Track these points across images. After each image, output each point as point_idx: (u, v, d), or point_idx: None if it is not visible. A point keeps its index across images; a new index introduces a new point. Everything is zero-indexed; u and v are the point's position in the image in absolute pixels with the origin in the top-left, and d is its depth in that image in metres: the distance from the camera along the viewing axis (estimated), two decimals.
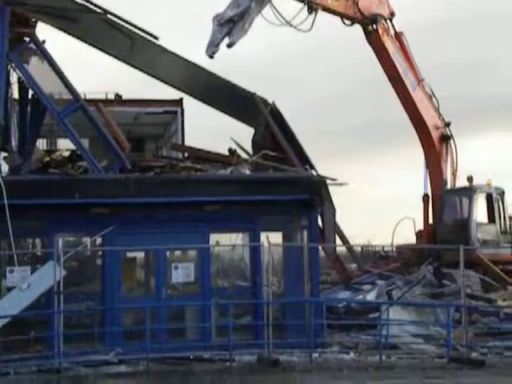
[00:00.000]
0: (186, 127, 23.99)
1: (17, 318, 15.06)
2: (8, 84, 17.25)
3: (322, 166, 19.15)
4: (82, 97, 17.91)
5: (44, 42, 17.25)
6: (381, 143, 62.56)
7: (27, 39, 17.21)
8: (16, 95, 18.16)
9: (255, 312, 16.94)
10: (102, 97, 23.07)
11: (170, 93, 21.54)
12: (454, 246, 17.45)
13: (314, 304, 16.72)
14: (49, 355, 14.94)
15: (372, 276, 22.07)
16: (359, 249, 25.40)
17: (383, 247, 25.54)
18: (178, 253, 19.84)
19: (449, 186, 24.01)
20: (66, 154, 18.62)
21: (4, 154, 16.70)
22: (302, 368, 14.89)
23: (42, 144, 22.92)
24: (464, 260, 16.74)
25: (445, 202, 23.70)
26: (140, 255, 18.80)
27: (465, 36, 62.09)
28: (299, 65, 67.99)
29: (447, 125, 24.12)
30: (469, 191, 23.24)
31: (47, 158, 17.95)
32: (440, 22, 62.10)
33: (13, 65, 17.03)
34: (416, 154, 24.64)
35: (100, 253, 17.41)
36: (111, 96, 23.82)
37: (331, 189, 17.91)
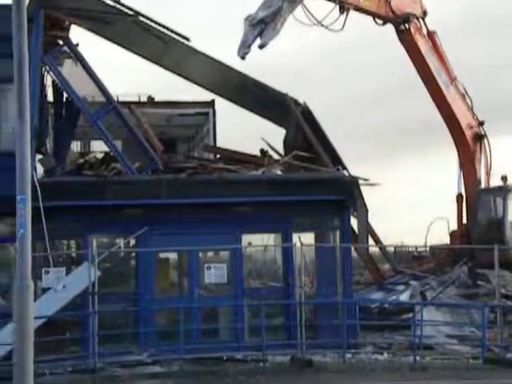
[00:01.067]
0: (218, 128, 24.06)
1: (52, 318, 15.22)
2: (42, 87, 17.44)
3: (354, 167, 19.11)
4: (115, 99, 18.05)
5: (78, 44, 17.42)
6: (413, 143, 62.10)
7: (61, 42, 17.39)
8: (50, 98, 18.35)
9: (288, 313, 16.93)
10: (135, 99, 23.19)
11: (201, 94, 21.62)
12: (489, 246, 17.31)
13: (346, 304, 16.68)
14: (84, 356, 15.09)
15: (405, 276, 21.95)
16: (392, 249, 25.24)
17: (416, 247, 25.38)
18: (210, 254, 19.88)
19: (483, 186, 23.79)
20: (100, 155, 18.80)
21: (39, 157, 16.88)
22: (335, 369, 14.87)
23: (76, 146, 23.11)
24: (499, 260, 16.60)
25: (479, 201, 23.49)
26: (173, 256, 18.89)
27: (498, 35, 61.30)
28: (330, 64, 67.76)
29: (481, 124, 23.91)
30: (503, 190, 23.02)
31: (81, 160, 18.14)
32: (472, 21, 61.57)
33: (47, 68, 17.22)
34: (451, 154, 24.48)
35: (133, 254, 17.55)
36: (144, 98, 23.94)
37: (363, 189, 17.86)
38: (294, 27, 19.47)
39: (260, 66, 21.72)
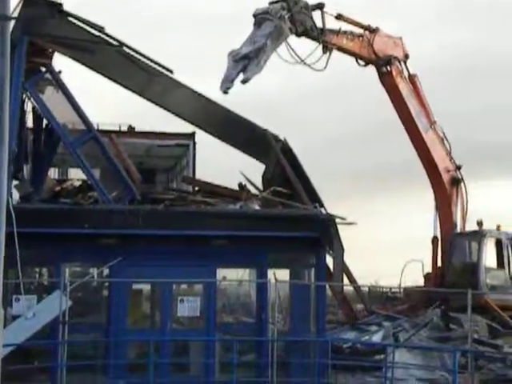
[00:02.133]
0: (198, 161, 24.11)
1: (21, 347, 15.00)
2: (22, 113, 17.39)
3: (331, 205, 19.14)
4: (95, 128, 18.02)
5: (60, 72, 17.42)
6: (390, 185, 62.53)
7: (43, 69, 17.38)
8: (30, 124, 18.29)
9: (260, 349, 16.83)
10: (115, 128, 23.21)
11: (182, 126, 21.68)
12: (462, 290, 17.35)
13: (319, 343, 16.60)
14: None
15: (378, 317, 21.92)
16: (366, 289, 25.25)
17: (391, 288, 25.42)
18: (184, 286, 19.78)
19: (458, 230, 23.93)
20: (77, 183, 18.71)
21: (15, 182, 16.76)
22: None
23: (53, 173, 23.03)
24: (472, 305, 16.64)
25: (454, 245, 23.61)
26: (146, 287, 18.76)
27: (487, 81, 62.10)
28: (312, 104, 68.31)
29: (458, 168, 24.12)
30: (478, 235, 23.16)
31: (58, 188, 18.04)
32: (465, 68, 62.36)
33: (28, 94, 17.18)
34: (426, 197, 24.65)
35: (106, 284, 17.39)
36: (124, 128, 23.97)
37: (340, 228, 17.88)
38: (277, 64, 19.66)
39: (242, 101, 21.82)
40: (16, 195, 16.50)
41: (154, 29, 69.98)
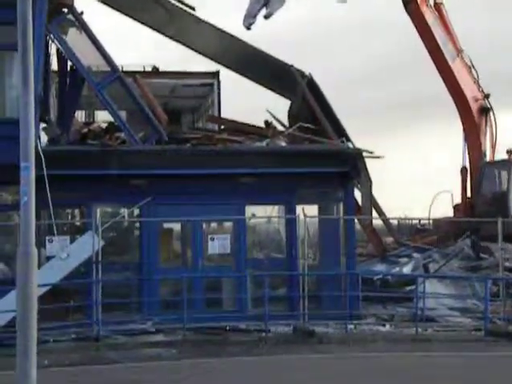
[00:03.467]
0: (223, 99, 23.98)
1: (56, 286, 15.31)
2: (47, 55, 17.36)
3: (357, 140, 19.04)
4: (120, 69, 17.97)
5: (82, 13, 17.31)
6: (417, 117, 61.95)
7: (66, 10, 17.28)
8: (55, 67, 18.27)
9: (291, 284, 17.00)
10: (140, 69, 23.10)
11: (206, 65, 21.55)
12: (492, 219, 17.31)
13: (349, 276, 16.72)
14: (87, 323, 15.20)
15: (408, 249, 21.97)
16: (396, 222, 25.21)
17: (420, 220, 25.36)
18: (214, 224, 19.93)
19: (488, 159, 23.73)
20: (104, 125, 18.76)
21: (43, 125, 16.84)
22: (337, 339, 14.92)
23: (80, 116, 23.07)
24: (502, 233, 16.61)
25: (483, 174, 23.43)
26: (177, 226, 18.93)
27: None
28: (336, 39, 67.48)
29: (486, 97, 23.76)
30: (508, 164, 22.94)
31: (85, 130, 18.11)
32: None
33: (52, 36, 17.12)
34: (455, 127, 24.40)
35: (137, 224, 17.59)
36: (148, 68, 23.84)
37: (367, 161, 17.82)
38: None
39: (266, 36, 21.58)
40: (44, 138, 16.60)
41: None
